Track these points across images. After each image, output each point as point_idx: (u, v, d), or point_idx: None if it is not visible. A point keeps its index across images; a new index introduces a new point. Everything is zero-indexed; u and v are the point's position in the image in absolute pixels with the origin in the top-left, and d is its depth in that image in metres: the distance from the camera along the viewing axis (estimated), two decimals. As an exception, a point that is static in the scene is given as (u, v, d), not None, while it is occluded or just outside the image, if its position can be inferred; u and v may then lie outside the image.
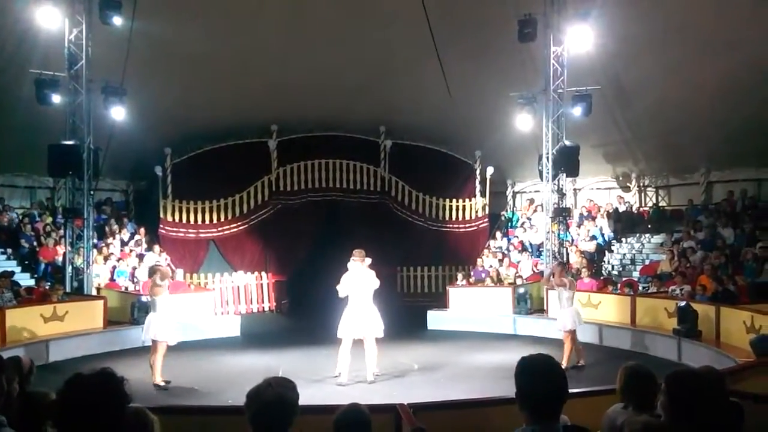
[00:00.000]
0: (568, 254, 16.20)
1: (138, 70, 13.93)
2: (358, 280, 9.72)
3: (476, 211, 18.60)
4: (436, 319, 15.49)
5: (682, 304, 11.77)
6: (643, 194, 19.07)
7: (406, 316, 15.21)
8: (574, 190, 19.45)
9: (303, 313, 16.68)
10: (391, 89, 16.66)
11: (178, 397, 8.97)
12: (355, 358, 9.78)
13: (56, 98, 13.65)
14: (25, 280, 14.45)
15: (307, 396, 3.14)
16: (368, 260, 9.91)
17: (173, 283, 15.54)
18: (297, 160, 17.80)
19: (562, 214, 15.78)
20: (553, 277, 11.24)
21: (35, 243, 15.89)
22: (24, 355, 4.83)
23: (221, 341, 13.79)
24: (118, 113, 14.45)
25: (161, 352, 9.64)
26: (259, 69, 15.86)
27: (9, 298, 12.32)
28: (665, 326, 12.16)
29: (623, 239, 17.31)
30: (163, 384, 9.51)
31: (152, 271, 10.18)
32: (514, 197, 20.91)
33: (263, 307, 17.47)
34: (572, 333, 10.75)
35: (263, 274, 17.60)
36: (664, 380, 2.70)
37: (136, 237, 17.00)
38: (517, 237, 18.35)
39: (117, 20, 13.23)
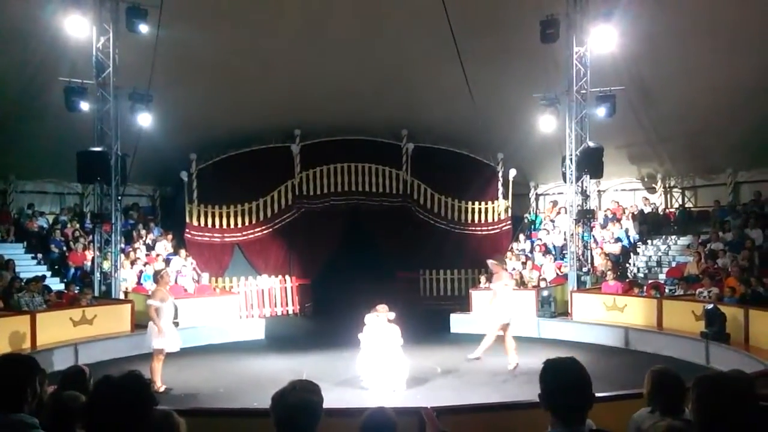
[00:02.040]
0: (592, 256, 16.04)
1: (164, 77, 14.14)
2: (382, 337, 9.62)
3: (499, 214, 18.50)
4: (459, 322, 15.43)
5: (710, 306, 11.58)
6: (668, 195, 18.81)
7: (429, 319, 15.20)
8: (598, 191, 19.26)
9: (326, 315, 16.74)
10: (412, 92, 16.68)
11: (204, 400, 9.06)
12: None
13: (85, 105, 13.92)
14: (55, 284, 14.73)
15: (332, 399, 3.16)
16: (392, 314, 9.89)
17: (199, 286, 15.80)
18: (320, 165, 17.91)
19: (585, 216, 15.63)
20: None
21: (65, 248, 16.20)
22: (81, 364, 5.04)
23: (246, 344, 13.90)
24: (145, 119, 14.67)
25: (160, 360, 9.63)
26: (282, 74, 16.01)
27: (39, 302, 12.57)
28: (693, 329, 11.97)
29: (649, 241, 17.09)
30: (163, 390, 9.45)
31: (159, 277, 10.19)
32: (537, 199, 20.77)
33: (287, 310, 17.59)
34: (506, 327, 10.85)
35: (287, 277, 17.72)
36: (693, 384, 2.66)
37: (161, 242, 17.21)
38: (540, 239, 18.22)
39: (143, 28, 13.45)
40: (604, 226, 17.82)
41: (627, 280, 15.28)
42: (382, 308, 9.81)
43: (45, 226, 16.96)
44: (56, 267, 15.76)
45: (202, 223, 17.34)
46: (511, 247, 18.10)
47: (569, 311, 14.75)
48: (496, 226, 18.49)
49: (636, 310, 13.50)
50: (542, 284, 15.84)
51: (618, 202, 18.96)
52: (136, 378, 2.24)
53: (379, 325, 9.71)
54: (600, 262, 16.09)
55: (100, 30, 13.79)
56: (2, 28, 13.27)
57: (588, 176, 15.49)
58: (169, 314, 9.71)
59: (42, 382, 3.29)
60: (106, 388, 2.23)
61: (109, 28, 13.85)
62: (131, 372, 2.27)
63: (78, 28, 13.20)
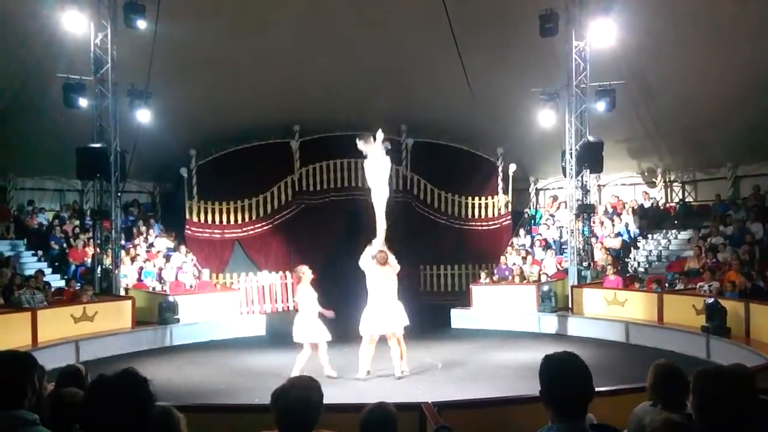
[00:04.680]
0: (592, 251, 16.03)
1: (162, 73, 14.12)
2: (380, 278, 9.77)
3: (499, 209, 18.48)
4: (459, 318, 15.45)
5: (711, 300, 11.57)
6: (669, 190, 18.79)
7: (430, 314, 15.19)
8: (598, 186, 19.22)
9: (327, 311, 16.71)
10: (411, 87, 16.64)
11: (205, 396, 9.07)
12: (381, 358, 9.82)
13: (83, 102, 13.89)
14: (56, 281, 14.73)
15: (332, 394, 3.16)
16: (393, 258, 10.00)
17: (200, 282, 15.80)
18: (319, 160, 17.87)
19: (585, 211, 15.62)
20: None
21: (65, 245, 16.20)
22: (77, 364, 5.06)
23: (247, 340, 13.92)
24: (144, 116, 14.65)
25: (322, 350, 9.87)
26: (281, 70, 15.97)
27: (40, 299, 12.57)
28: (693, 323, 11.97)
29: (649, 236, 17.08)
30: (335, 375, 9.73)
31: (298, 275, 10.37)
32: (537, 194, 20.75)
33: (288, 306, 17.56)
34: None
35: (288, 273, 17.71)
36: (693, 378, 2.66)
37: (161, 238, 17.19)
38: (540, 234, 18.21)
39: (141, 24, 13.42)
40: (603, 221, 17.80)
41: (627, 275, 15.28)
42: (381, 257, 9.88)
43: (45, 222, 16.96)
44: (56, 264, 15.76)
45: (202, 220, 17.31)
46: (512, 242, 18.09)
47: (570, 306, 14.75)
48: (496, 221, 18.46)
49: (636, 305, 13.50)
50: (543, 279, 15.85)
51: (618, 197, 18.94)
52: (131, 376, 2.22)
53: (379, 268, 9.83)
54: (600, 257, 16.08)
55: (97, 26, 13.75)
56: None
57: (588, 171, 15.48)
58: (311, 307, 9.90)
59: (41, 379, 3.29)
60: (100, 389, 2.21)
61: (107, 24, 13.82)
62: (126, 369, 2.25)
63: (76, 24, 13.18)
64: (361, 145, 10.40)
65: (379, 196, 10.41)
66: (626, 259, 16.65)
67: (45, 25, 13.30)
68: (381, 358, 9.95)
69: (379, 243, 10.18)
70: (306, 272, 10.11)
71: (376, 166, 10.35)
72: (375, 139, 10.32)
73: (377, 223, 10.43)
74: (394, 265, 10.03)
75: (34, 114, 14.93)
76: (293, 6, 14.59)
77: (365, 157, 10.50)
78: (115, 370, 2.26)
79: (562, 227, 17.09)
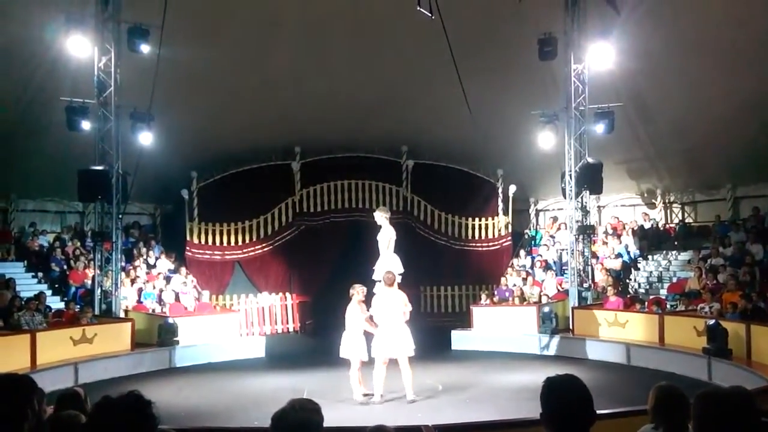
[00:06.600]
0: (593, 272, 16.02)
1: (165, 96, 14.23)
2: (387, 302, 9.75)
3: (499, 230, 18.50)
4: (460, 339, 15.39)
5: (712, 322, 11.53)
6: (668, 211, 18.83)
7: (430, 335, 15.09)
8: (598, 207, 19.27)
9: (327, 333, 16.62)
10: (412, 109, 16.77)
11: (204, 419, 9.01)
12: (389, 378, 9.78)
13: (86, 124, 13.98)
14: (56, 303, 14.69)
15: (332, 418, 3.15)
16: (398, 277, 10.06)
17: (200, 304, 15.76)
18: (320, 182, 17.95)
19: (585, 232, 15.63)
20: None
21: (65, 266, 16.19)
22: (76, 387, 5.03)
23: (246, 362, 13.85)
24: (146, 138, 14.74)
25: (353, 369, 9.83)
26: (282, 92, 16.12)
27: (39, 321, 12.54)
28: (694, 345, 11.92)
29: (650, 257, 17.08)
30: (363, 399, 9.70)
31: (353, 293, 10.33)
32: (537, 215, 20.79)
33: (288, 328, 17.51)
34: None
35: (288, 294, 17.68)
36: (694, 401, 2.66)
37: (161, 259, 17.20)
38: (540, 255, 18.20)
39: (144, 48, 13.58)
40: (605, 242, 17.80)
41: (628, 296, 15.24)
42: (387, 279, 9.85)
43: (45, 244, 16.96)
44: (57, 285, 15.73)
45: (203, 241, 17.34)
46: (512, 263, 18.08)
47: (570, 327, 14.70)
48: (496, 242, 18.48)
49: (637, 326, 13.45)
50: (544, 300, 15.81)
51: (618, 218, 18.97)
52: (136, 398, 2.23)
53: (387, 293, 9.76)
54: (601, 278, 16.06)
55: (101, 50, 13.89)
56: (4, 47, 13.40)
57: (587, 192, 15.53)
58: (355, 324, 9.94)
59: (40, 402, 3.28)
60: (104, 411, 2.21)
61: (111, 48, 13.96)
62: (131, 392, 2.26)
63: (80, 48, 13.32)
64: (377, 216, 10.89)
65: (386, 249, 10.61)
66: (627, 280, 16.63)
67: (49, 49, 13.45)
68: (388, 381, 9.86)
69: (384, 267, 10.19)
70: (360, 291, 10.12)
71: (385, 233, 10.71)
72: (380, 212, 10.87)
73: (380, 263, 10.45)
74: (403, 298, 9.99)
75: (36, 136, 15.03)
76: (294, 29, 14.76)
77: (380, 227, 10.80)
78: (116, 393, 2.26)
79: (563, 249, 17.10)
